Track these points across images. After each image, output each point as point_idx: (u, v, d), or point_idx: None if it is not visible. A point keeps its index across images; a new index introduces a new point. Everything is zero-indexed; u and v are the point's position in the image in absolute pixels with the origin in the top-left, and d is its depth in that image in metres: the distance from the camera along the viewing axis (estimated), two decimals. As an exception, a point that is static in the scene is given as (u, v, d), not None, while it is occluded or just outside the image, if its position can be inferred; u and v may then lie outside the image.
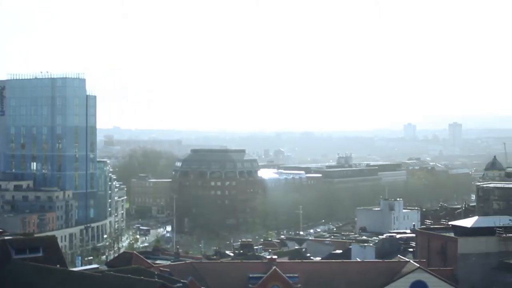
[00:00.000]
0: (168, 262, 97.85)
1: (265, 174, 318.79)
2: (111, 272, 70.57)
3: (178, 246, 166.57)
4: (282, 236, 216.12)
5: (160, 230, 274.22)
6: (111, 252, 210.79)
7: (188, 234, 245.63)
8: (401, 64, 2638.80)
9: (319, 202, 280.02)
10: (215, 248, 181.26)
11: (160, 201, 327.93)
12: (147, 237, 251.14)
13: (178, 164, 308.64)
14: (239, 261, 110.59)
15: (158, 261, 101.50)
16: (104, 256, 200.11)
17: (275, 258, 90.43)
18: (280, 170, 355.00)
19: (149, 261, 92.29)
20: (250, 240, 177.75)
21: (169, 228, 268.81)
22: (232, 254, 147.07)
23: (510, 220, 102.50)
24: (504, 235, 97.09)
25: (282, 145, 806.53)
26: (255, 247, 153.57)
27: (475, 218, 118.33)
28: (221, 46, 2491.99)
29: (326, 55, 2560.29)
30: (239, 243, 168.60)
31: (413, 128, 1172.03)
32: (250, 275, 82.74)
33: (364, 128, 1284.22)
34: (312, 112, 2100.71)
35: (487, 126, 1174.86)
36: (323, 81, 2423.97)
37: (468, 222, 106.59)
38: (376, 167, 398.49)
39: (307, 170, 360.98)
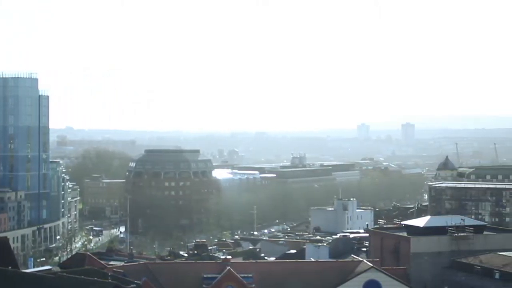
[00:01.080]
0: (122, 263, 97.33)
1: (220, 174, 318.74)
2: (64, 274, 70.02)
3: (132, 247, 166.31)
4: (237, 236, 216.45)
5: (114, 231, 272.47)
6: (64, 253, 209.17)
7: (142, 235, 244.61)
8: (354, 64, 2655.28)
9: (273, 202, 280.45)
10: (169, 248, 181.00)
11: (114, 202, 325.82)
12: (100, 238, 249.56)
13: (132, 164, 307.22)
14: (193, 261, 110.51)
15: (111, 262, 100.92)
16: (57, 258, 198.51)
17: (229, 259, 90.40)
18: (234, 170, 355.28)
19: (102, 262, 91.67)
20: (205, 240, 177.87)
21: (122, 228, 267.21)
22: (186, 255, 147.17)
23: (461, 219, 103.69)
24: (456, 234, 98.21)
25: (236, 145, 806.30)
26: (209, 248, 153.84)
27: (428, 217, 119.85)
28: (178, 46, 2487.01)
29: (280, 56, 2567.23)
30: (193, 243, 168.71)
31: (366, 128, 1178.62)
32: (204, 276, 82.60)
33: (318, 128, 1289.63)
34: (266, 112, 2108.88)
35: (440, 127, 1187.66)
36: (277, 81, 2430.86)
37: (420, 222, 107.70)
38: (330, 167, 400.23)
39: (261, 170, 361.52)
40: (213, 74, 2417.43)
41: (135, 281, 73.60)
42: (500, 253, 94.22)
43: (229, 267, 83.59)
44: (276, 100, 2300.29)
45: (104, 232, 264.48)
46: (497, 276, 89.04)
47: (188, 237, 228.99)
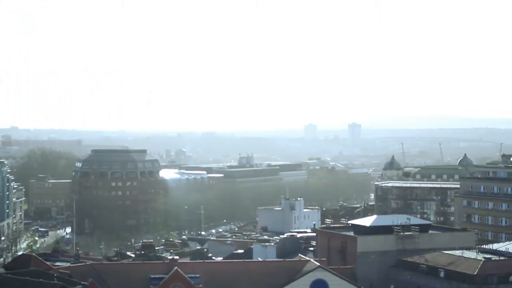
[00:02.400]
0: (68, 264, 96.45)
1: (167, 174, 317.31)
2: (9, 275, 69.27)
3: (78, 248, 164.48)
4: (184, 237, 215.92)
5: (60, 231, 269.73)
6: (9, 255, 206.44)
7: (89, 235, 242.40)
8: (301, 65, 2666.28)
9: (220, 202, 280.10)
10: (116, 249, 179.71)
11: (60, 202, 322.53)
12: (46, 239, 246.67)
13: (78, 164, 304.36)
14: (140, 262, 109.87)
15: (57, 263, 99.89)
16: (2, 259, 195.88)
17: (176, 259, 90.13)
18: (181, 170, 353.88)
19: (48, 263, 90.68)
20: (152, 240, 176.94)
21: (69, 229, 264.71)
22: (133, 255, 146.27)
23: (407, 218, 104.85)
24: (402, 233, 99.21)
25: (183, 145, 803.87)
26: (156, 248, 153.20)
27: (374, 217, 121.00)
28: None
29: (228, 56, 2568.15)
30: (140, 244, 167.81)
31: (313, 128, 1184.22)
32: (152, 276, 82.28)
33: (265, 128, 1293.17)
34: (213, 112, 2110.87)
35: (386, 127, 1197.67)
36: (224, 81, 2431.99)
37: (367, 221, 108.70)
38: (277, 167, 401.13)
39: (209, 170, 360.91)
40: (159, 74, 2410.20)
41: (81, 282, 73.12)
42: (445, 252, 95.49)
43: (176, 267, 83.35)
44: (224, 100, 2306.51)
45: (49, 233, 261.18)
46: (442, 274, 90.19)
47: (135, 237, 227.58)
